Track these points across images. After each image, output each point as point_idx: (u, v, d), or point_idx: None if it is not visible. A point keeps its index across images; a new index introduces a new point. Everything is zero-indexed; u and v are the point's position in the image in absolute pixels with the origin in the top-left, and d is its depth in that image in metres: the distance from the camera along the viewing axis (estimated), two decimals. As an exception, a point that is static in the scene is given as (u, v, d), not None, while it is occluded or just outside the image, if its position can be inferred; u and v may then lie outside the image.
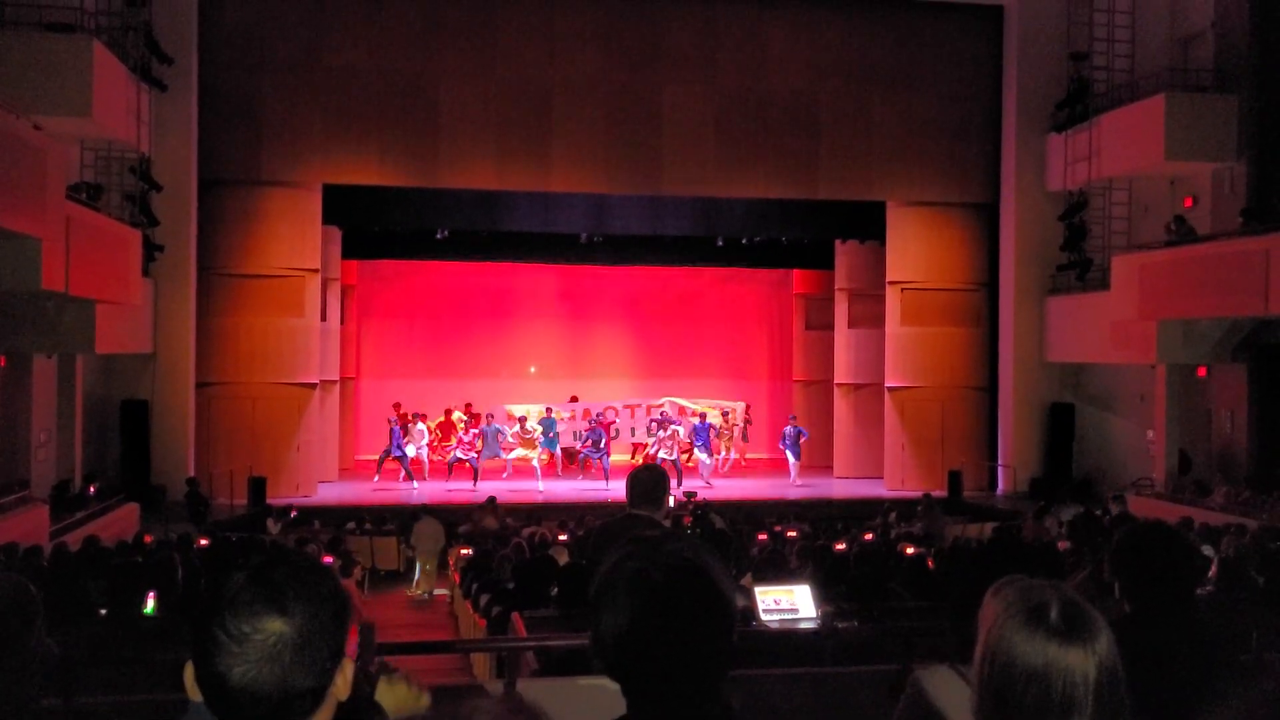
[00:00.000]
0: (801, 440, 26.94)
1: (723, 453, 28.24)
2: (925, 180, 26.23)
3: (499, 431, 26.01)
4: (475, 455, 25.90)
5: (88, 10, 20.55)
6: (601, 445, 26.33)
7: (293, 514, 21.24)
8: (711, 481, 25.94)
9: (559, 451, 27.27)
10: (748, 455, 30.19)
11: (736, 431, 28.86)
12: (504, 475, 26.37)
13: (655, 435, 27.13)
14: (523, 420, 26.78)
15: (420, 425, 26.43)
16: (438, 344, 31.68)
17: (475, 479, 25.52)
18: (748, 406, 29.91)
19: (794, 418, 27.91)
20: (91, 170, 21.85)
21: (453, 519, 20.76)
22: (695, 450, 26.35)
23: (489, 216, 25.83)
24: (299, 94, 24.15)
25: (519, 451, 26.34)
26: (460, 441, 26.15)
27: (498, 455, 26.13)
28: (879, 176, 26.05)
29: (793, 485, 26.32)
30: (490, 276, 31.26)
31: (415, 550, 19.22)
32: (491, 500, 21.12)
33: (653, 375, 32.07)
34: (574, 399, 29.16)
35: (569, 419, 27.63)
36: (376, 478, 26.25)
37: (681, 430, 27.04)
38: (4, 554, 12.38)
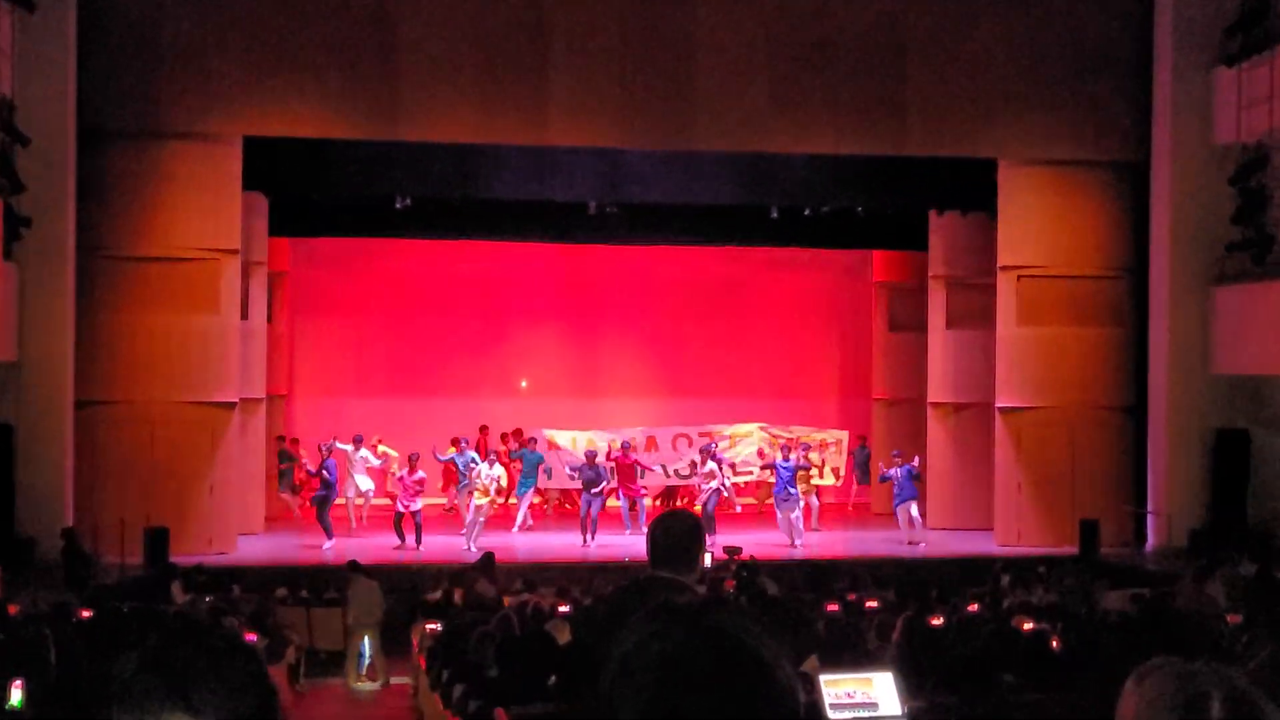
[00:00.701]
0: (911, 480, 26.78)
1: (812, 500, 28.02)
2: (1049, 131, 26.14)
3: (471, 463, 26.25)
4: (413, 502, 25.63)
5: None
6: (599, 490, 26.34)
7: (204, 576, 21.12)
8: (799, 542, 25.95)
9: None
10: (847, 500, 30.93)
11: (827, 470, 29.15)
12: (515, 529, 26.84)
13: (700, 472, 27.28)
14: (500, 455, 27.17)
15: (363, 452, 26.68)
16: (397, 350, 31.81)
17: (418, 536, 25.48)
18: (861, 439, 30.13)
19: (899, 454, 27.29)
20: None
21: (396, 583, 20.76)
22: (784, 497, 26.17)
23: (466, 179, 25.98)
24: (213, 17, 24.23)
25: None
26: (405, 486, 25.78)
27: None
28: (987, 126, 26.03)
29: (908, 544, 26.29)
30: (468, 260, 31.40)
31: (348, 623, 19.34)
32: (488, 559, 21.25)
33: (682, 392, 32.28)
34: (484, 429, 29.71)
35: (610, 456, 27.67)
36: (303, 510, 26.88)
37: (721, 468, 27.06)
38: None
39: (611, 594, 6.46)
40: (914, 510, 26.46)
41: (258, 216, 26.84)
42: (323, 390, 31.53)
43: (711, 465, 26.97)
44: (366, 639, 19.39)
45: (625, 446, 27.46)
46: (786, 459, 26.44)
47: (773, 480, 26.78)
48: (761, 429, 29.37)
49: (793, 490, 25.98)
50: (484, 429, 30.02)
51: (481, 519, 25.50)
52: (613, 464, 27.05)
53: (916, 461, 26.80)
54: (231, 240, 24.56)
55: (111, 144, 24.08)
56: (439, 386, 31.65)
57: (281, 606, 19.51)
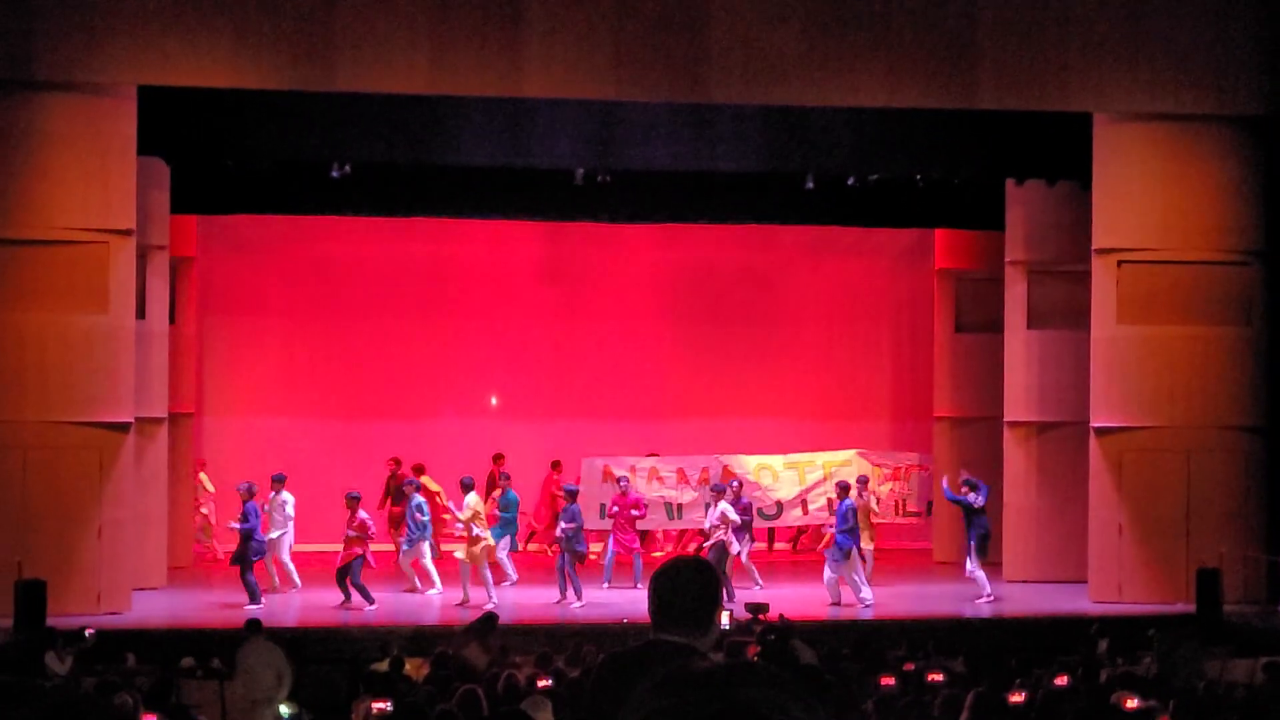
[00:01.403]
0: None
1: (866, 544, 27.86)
2: (1158, 78, 26.12)
3: (417, 508, 26.63)
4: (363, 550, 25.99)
5: None
6: (577, 535, 26.52)
7: (91, 640, 21.22)
8: (866, 597, 26.15)
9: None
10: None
11: (895, 501, 29.53)
12: (508, 582, 26.96)
13: (717, 510, 27.23)
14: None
15: (285, 495, 26.82)
16: (334, 357, 32.01)
17: (366, 596, 25.81)
18: (927, 467, 30.36)
19: (970, 482, 27.40)
20: None
21: (324, 649, 21.03)
22: (840, 547, 26.26)
23: (420, 142, 26.17)
24: (99, -64, 24.38)
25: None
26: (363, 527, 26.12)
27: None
28: (1079, 74, 26.04)
29: (980, 600, 26.45)
30: (422, 243, 31.80)
31: (241, 693, 19.31)
32: (489, 620, 21.37)
33: (692, 411, 32.74)
34: (499, 458, 29.74)
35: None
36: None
37: (745, 511, 27.20)
38: None
39: (604, 664, 6.49)
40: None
41: (157, 188, 26.85)
42: (240, 408, 31.73)
43: (724, 508, 26.73)
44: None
45: (624, 484, 27.75)
46: (845, 496, 26.51)
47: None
48: (861, 455, 29.52)
49: (850, 539, 26.04)
50: (499, 459, 29.89)
51: (480, 566, 26.10)
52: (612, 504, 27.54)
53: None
54: (124, 218, 24.52)
55: (-30, 96, 24.30)
56: (386, 403, 31.97)
57: (188, 680, 19.33)
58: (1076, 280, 27.82)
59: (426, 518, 26.67)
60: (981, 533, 26.62)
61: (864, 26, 25.61)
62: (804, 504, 29.48)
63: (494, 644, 20.60)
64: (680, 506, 29.12)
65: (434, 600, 26.45)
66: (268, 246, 31.72)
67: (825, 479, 29.09)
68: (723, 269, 32.97)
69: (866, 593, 26.00)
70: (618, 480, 28.06)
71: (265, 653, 19.41)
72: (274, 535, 26.48)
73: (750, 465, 29.34)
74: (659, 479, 29.19)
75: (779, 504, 29.28)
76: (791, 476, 29.38)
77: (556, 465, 30.61)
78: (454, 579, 26.48)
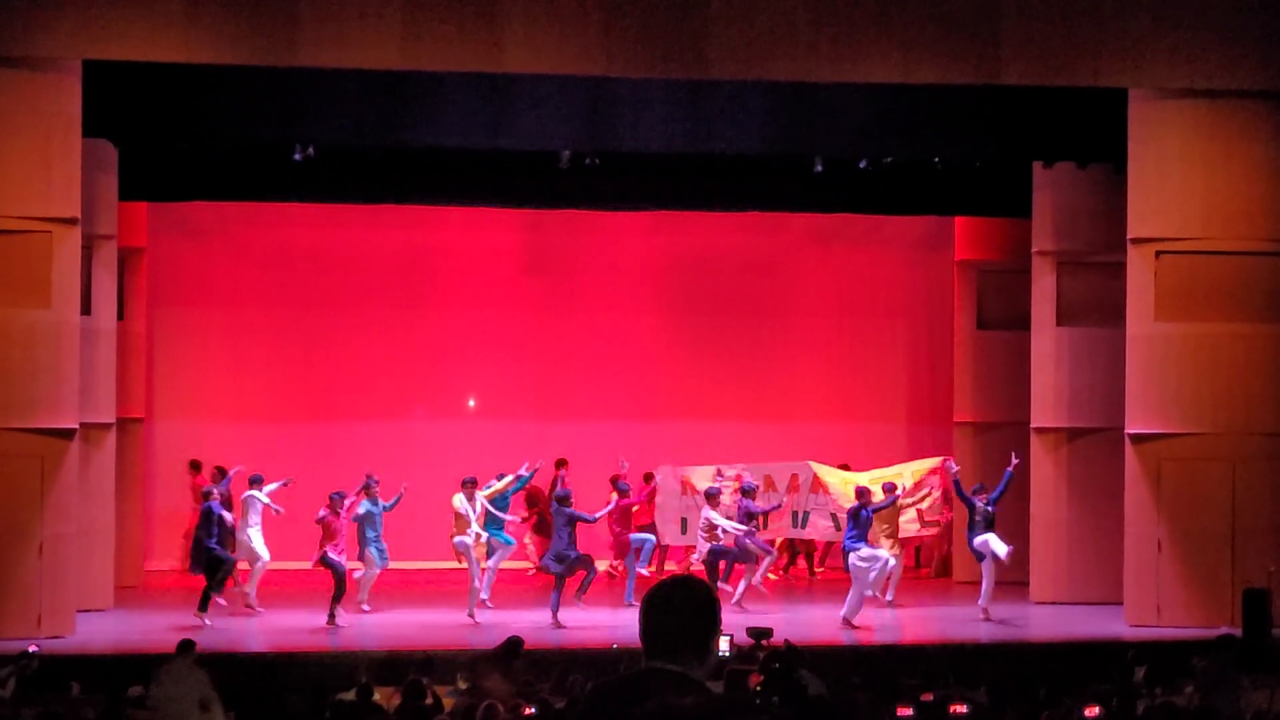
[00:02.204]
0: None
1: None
2: (1202, 50, 25.88)
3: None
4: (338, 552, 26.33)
5: None
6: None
7: (32, 665, 21.08)
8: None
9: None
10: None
11: (927, 505, 29.67)
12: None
13: (706, 518, 27.43)
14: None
15: (258, 493, 27.03)
16: (296, 356, 32.43)
17: (331, 618, 26.03)
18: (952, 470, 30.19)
19: (984, 488, 27.64)
20: None
21: (285, 675, 21.20)
22: (859, 554, 26.37)
23: (391, 122, 26.25)
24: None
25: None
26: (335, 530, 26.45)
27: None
28: (1113, 46, 25.79)
29: (979, 619, 26.86)
30: (394, 230, 32.04)
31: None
32: (514, 645, 21.25)
33: (688, 413, 32.91)
34: (562, 463, 30.20)
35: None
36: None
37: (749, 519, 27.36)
38: None
39: (590, 694, 6.42)
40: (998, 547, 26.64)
41: (104, 172, 26.82)
42: (194, 412, 31.95)
43: (709, 515, 27.15)
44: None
45: (621, 490, 28.54)
46: (868, 503, 26.71)
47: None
48: (946, 462, 29.64)
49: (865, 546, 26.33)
50: (561, 463, 30.20)
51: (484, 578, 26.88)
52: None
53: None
54: (68, 205, 24.50)
55: (-105, 72, 24.40)
56: (355, 405, 32.34)
57: (137, 711, 19.08)
58: (1110, 272, 27.83)
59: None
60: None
61: (874, -1, 25.74)
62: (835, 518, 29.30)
63: (519, 673, 20.55)
64: (766, 517, 29.08)
65: (412, 620, 26.60)
66: (225, 236, 31.83)
67: (915, 491, 29.34)
68: (722, 260, 33.13)
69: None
70: (617, 486, 28.88)
71: (186, 678, 19.21)
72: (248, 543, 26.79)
73: (835, 479, 29.40)
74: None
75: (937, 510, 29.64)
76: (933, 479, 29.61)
77: (561, 463, 30.57)
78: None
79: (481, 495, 26.90)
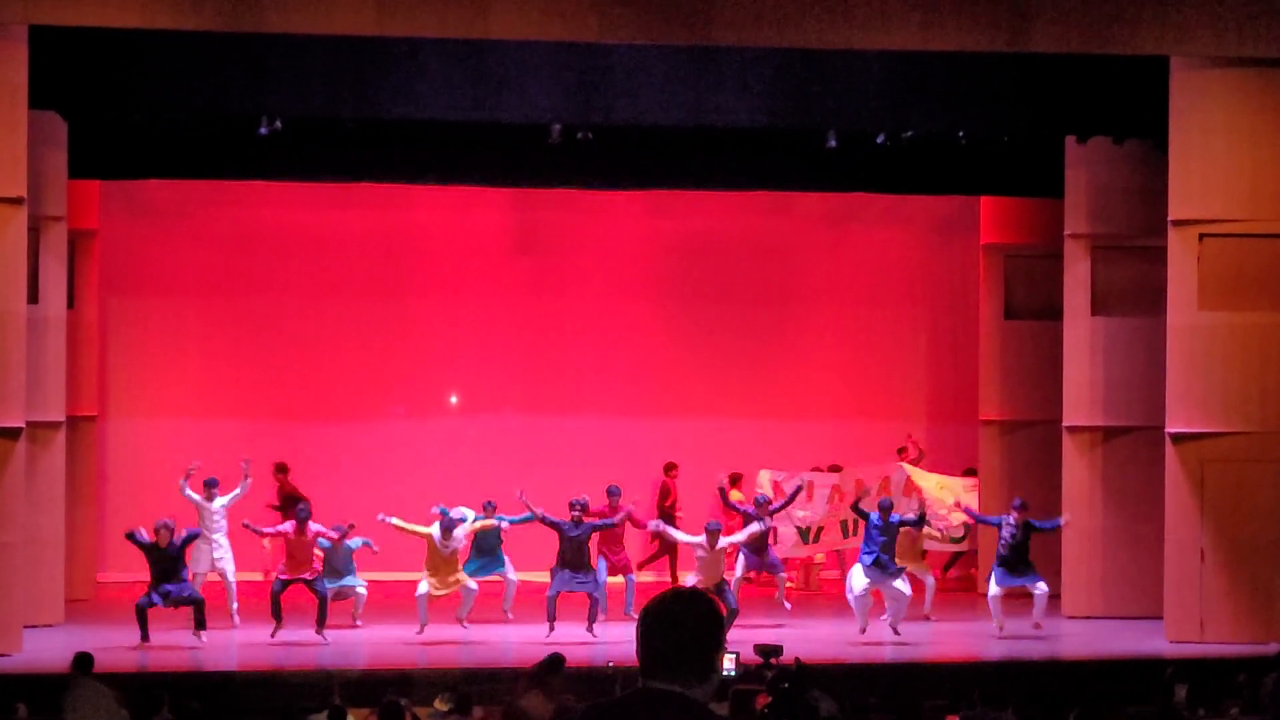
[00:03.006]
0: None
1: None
2: (1249, 14, 25.42)
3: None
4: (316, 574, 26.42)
5: None
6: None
7: None
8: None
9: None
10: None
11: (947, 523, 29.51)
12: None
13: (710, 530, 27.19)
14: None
15: (217, 502, 26.92)
16: (262, 348, 32.31)
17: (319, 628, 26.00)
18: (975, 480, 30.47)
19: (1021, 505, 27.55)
20: None
21: (250, 695, 21.70)
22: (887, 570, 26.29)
23: (366, 93, 26.24)
24: None
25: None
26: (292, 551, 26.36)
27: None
28: (1153, 10, 25.39)
29: (994, 635, 26.66)
30: (370, 210, 31.97)
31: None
32: (555, 662, 20.92)
33: (692, 408, 32.94)
34: (671, 467, 31.37)
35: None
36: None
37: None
38: None
39: (584, 716, 6.30)
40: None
41: (53, 148, 26.62)
42: (152, 408, 31.90)
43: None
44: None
45: (614, 495, 28.24)
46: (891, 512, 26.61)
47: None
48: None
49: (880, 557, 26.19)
50: (671, 468, 31.06)
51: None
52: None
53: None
54: (13, 184, 24.24)
55: None
56: (327, 401, 32.35)
57: None
58: (1150, 257, 27.71)
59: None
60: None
61: (895, -47, 25.59)
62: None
63: (559, 692, 20.35)
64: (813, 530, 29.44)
65: (388, 636, 26.65)
66: (184, 217, 31.72)
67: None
68: (726, 244, 32.98)
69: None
70: (609, 492, 28.30)
71: (94, 700, 19.26)
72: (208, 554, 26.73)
73: (930, 483, 29.42)
74: (840, 495, 29.29)
75: (964, 526, 29.50)
76: (974, 499, 29.42)
77: (671, 468, 31.40)
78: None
79: (460, 533, 26.78)
